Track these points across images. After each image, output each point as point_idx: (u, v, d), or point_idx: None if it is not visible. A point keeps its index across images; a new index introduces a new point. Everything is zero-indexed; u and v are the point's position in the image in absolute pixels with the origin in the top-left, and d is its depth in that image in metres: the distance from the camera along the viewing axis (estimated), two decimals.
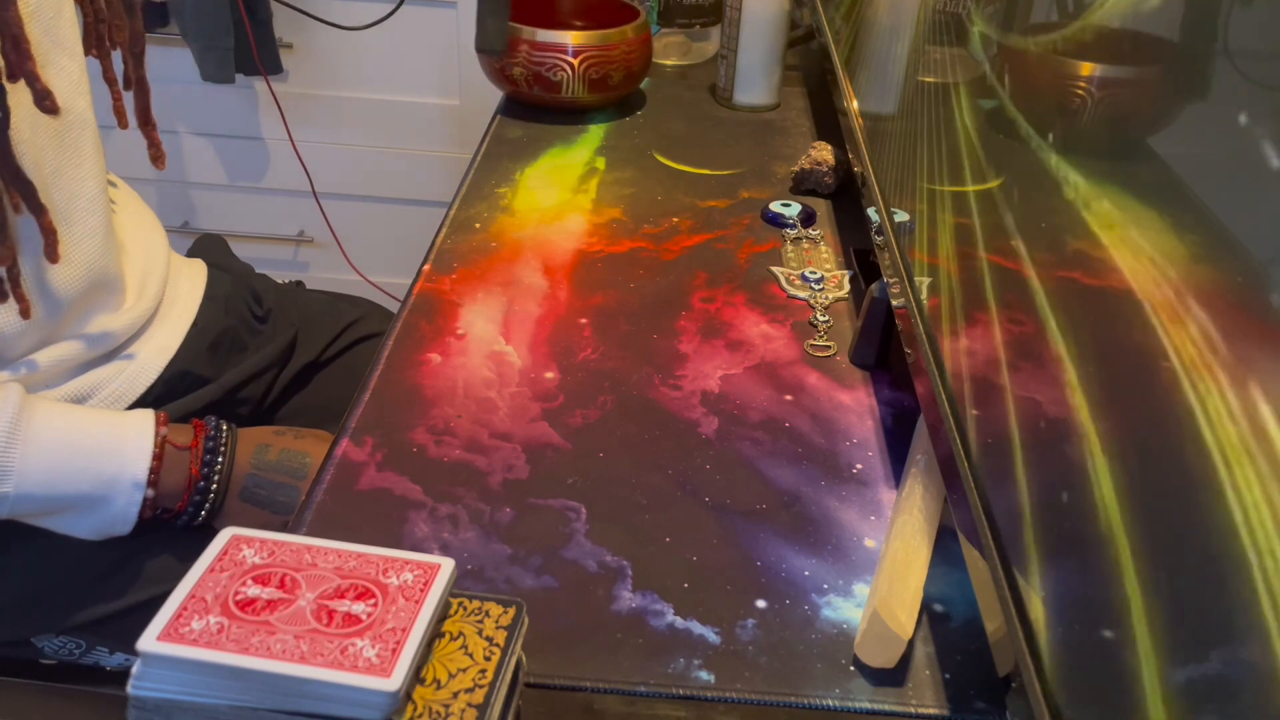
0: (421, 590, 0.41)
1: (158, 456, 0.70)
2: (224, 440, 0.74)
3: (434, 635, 0.42)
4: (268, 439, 0.77)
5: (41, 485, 0.67)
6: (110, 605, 0.76)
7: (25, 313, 0.69)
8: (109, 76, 0.76)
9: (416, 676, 0.40)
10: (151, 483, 0.70)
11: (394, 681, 0.37)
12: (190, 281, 0.90)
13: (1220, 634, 0.29)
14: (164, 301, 0.85)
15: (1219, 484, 0.30)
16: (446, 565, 0.42)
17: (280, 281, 1.01)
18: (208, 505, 0.73)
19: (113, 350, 0.79)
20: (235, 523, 0.71)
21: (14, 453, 0.66)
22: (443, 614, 0.43)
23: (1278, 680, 0.27)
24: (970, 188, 0.55)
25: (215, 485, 0.73)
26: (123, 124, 0.77)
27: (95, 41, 0.76)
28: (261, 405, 0.90)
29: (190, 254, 0.97)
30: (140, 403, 0.80)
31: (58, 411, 0.69)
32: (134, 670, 0.39)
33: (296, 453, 0.76)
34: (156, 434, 0.71)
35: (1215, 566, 0.30)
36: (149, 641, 0.38)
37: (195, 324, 0.86)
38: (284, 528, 0.62)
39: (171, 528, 0.74)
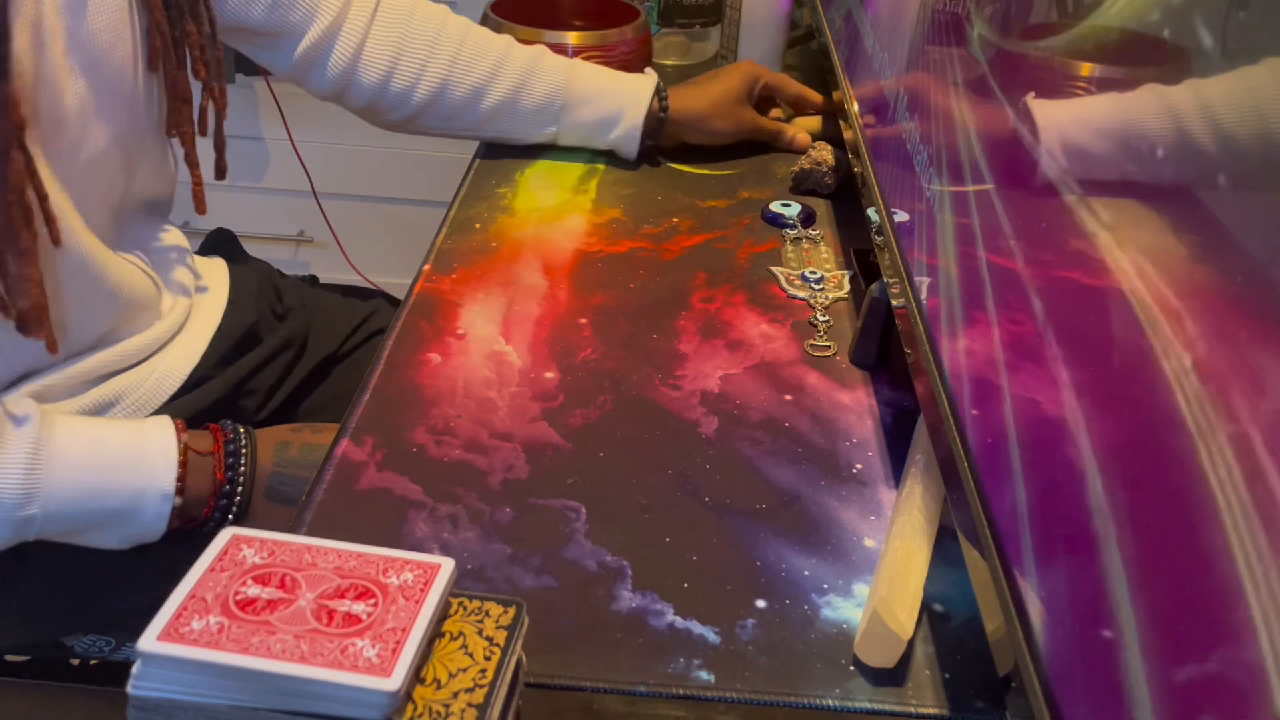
0: (421, 590, 0.41)
1: (182, 464, 0.70)
2: (244, 442, 0.74)
3: (434, 635, 0.42)
4: (286, 436, 0.77)
5: (69, 504, 0.67)
6: (136, 601, 0.76)
7: (52, 349, 0.68)
8: (190, 159, 0.78)
9: (416, 676, 0.40)
10: (179, 491, 0.70)
11: (394, 681, 0.37)
12: (214, 285, 0.89)
13: (1217, 633, 0.29)
14: (191, 310, 0.85)
15: (1217, 484, 0.30)
16: (446, 565, 0.42)
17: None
18: (234, 508, 0.73)
19: (139, 360, 0.79)
20: (261, 523, 0.71)
21: (39, 474, 0.65)
22: (443, 614, 0.43)
23: (1273, 680, 0.27)
24: (970, 188, 0.55)
25: (240, 487, 0.73)
26: (200, 209, 0.79)
27: (176, 122, 0.77)
28: (270, 396, 0.90)
29: (202, 251, 0.96)
30: (162, 407, 0.80)
31: (78, 427, 0.69)
32: (134, 670, 0.39)
33: (317, 446, 0.76)
34: (179, 442, 0.71)
35: (1213, 565, 0.30)
36: (149, 641, 0.38)
37: (220, 329, 0.86)
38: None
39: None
